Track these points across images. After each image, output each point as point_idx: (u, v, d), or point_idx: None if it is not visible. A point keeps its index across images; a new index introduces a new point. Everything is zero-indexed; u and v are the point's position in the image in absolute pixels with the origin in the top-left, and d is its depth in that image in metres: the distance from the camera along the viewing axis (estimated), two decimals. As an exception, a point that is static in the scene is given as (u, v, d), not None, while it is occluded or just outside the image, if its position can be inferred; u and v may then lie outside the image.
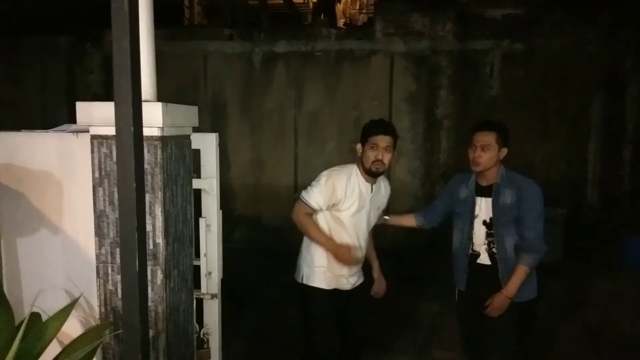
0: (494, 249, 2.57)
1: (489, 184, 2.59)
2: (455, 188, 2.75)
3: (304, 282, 2.65)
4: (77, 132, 1.98)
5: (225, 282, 2.52)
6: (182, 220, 2.11)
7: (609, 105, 6.16)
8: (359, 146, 2.62)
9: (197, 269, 2.35)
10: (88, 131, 1.94)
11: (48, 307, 1.80)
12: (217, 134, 2.40)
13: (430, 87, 6.32)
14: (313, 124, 6.48)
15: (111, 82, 1.23)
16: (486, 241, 2.59)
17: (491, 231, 2.57)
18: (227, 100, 6.58)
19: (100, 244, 1.97)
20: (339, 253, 2.55)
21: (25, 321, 1.61)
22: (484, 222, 2.59)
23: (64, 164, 1.99)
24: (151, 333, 1.97)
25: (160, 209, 1.92)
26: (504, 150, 2.54)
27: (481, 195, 2.59)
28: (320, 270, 2.63)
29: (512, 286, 2.47)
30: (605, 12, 6.06)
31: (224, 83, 6.57)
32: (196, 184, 2.30)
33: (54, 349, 1.75)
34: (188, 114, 2.14)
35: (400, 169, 6.38)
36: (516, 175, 2.58)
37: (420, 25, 6.26)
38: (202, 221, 2.36)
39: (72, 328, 1.96)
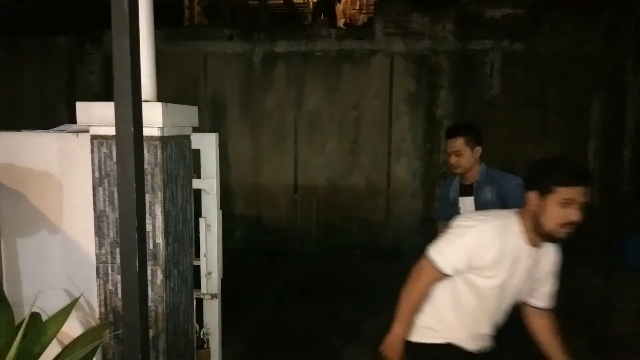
0: None
1: (470, 183, 2.72)
2: (446, 191, 2.90)
3: (415, 340, 2.01)
4: (77, 132, 1.98)
5: (225, 282, 2.52)
6: (182, 220, 2.11)
7: (609, 105, 6.16)
8: (532, 195, 1.80)
9: (197, 269, 2.35)
10: (88, 131, 1.94)
11: (48, 307, 1.80)
12: (217, 134, 2.40)
13: (430, 87, 6.32)
14: (313, 124, 6.48)
15: (111, 82, 1.23)
16: None
17: None
18: (227, 100, 6.57)
19: (100, 244, 1.97)
20: (387, 347, 1.96)
21: (25, 321, 1.61)
22: None
23: (64, 164, 1.99)
24: (151, 333, 1.97)
25: (160, 209, 1.92)
26: (478, 149, 2.66)
27: (465, 195, 2.73)
28: (434, 328, 2.02)
29: None
30: (605, 12, 6.06)
31: (224, 83, 6.56)
32: (196, 184, 2.30)
33: (54, 349, 1.75)
34: (188, 114, 2.14)
35: (400, 169, 6.38)
36: (497, 172, 2.69)
37: (420, 25, 6.26)
38: (202, 221, 2.36)
39: (72, 328, 1.96)
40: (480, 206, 2.63)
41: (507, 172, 2.66)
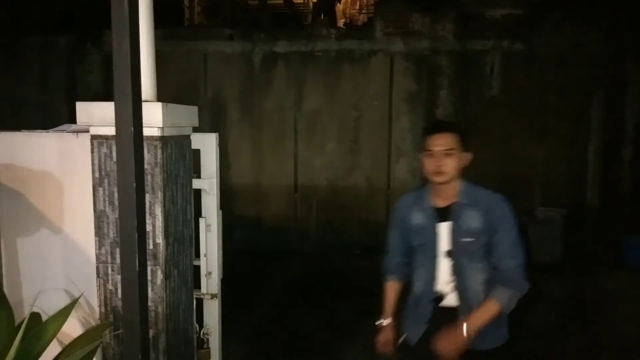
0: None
1: (447, 204, 2.05)
2: (406, 214, 2.16)
3: None
4: (77, 132, 1.98)
5: (225, 282, 2.52)
6: (182, 220, 2.11)
7: (609, 105, 6.16)
8: None
9: (197, 269, 2.35)
10: (88, 131, 1.94)
11: (48, 307, 1.79)
12: (217, 134, 2.40)
13: (430, 87, 6.32)
14: (313, 124, 6.48)
15: (111, 82, 1.23)
16: (452, 277, 2.04)
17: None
18: (227, 100, 6.57)
19: (100, 244, 1.97)
20: None
21: (25, 321, 1.61)
22: (448, 254, 2.05)
23: (64, 164, 1.99)
24: (151, 333, 1.97)
25: (160, 209, 1.92)
26: (468, 156, 2.04)
27: (441, 220, 2.05)
28: None
29: (475, 320, 1.91)
30: (605, 12, 6.05)
31: (224, 83, 6.56)
32: (196, 184, 2.30)
33: (54, 349, 1.75)
34: (188, 114, 2.14)
35: (400, 169, 6.38)
36: (479, 189, 2.05)
37: (420, 25, 6.26)
38: (202, 221, 2.36)
39: (72, 328, 1.96)
40: (460, 235, 2.00)
41: (491, 191, 2.06)
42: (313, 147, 6.49)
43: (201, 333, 2.44)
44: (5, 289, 1.96)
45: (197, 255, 2.35)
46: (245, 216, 6.56)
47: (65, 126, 2.17)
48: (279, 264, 5.88)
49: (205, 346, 2.45)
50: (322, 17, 8.13)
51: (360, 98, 6.39)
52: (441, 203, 2.06)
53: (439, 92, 6.32)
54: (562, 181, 6.24)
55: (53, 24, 6.46)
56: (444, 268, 2.05)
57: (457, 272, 2.02)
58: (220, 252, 2.45)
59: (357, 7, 8.85)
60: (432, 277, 2.07)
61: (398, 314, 2.23)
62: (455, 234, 2.01)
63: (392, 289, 2.28)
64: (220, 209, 2.43)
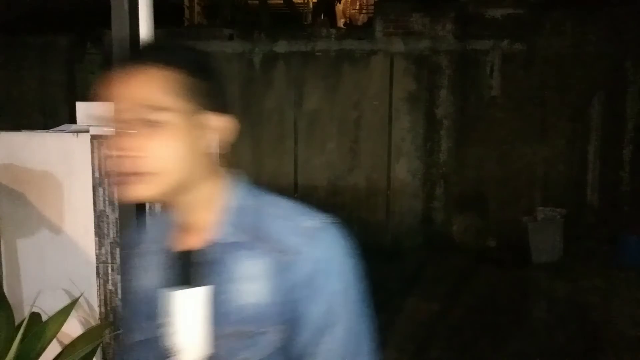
0: None
1: (199, 245, 0.87)
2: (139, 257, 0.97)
3: None
4: (77, 132, 1.98)
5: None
6: (182, 220, 2.11)
7: (609, 105, 6.16)
8: None
9: (197, 269, 2.35)
10: (88, 131, 1.94)
11: (48, 307, 1.79)
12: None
13: (430, 87, 6.32)
14: (313, 124, 6.48)
15: (111, 82, 1.23)
16: None
17: None
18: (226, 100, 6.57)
19: (100, 244, 1.97)
20: None
21: (25, 321, 1.61)
22: None
23: (64, 164, 1.99)
24: (151, 333, 1.97)
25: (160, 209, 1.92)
26: (222, 123, 0.94)
27: (185, 282, 0.87)
28: None
29: None
30: (605, 12, 6.06)
31: (224, 83, 6.56)
32: (196, 184, 2.30)
33: (54, 349, 1.75)
34: (188, 114, 2.14)
35: (400, 169, 6.38)
36: (269, 205, 0.93)
37: (420, 25, 6.26)
38: (202, 221, 2.36)
39: (72, 328, 1.96)
40: (224, 320, 0.82)
41: (305, 210, 0.91)
42: (313, 146, 6.49)
43: (201, 333, 2.43)
44: (5, 289, 1.96)
45: (197, 255, 2.35)
46: (245, 216, 6.55)
47: (65, 126, 2.17)
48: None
49: (205, 346, 2.45)
50: (322, 17, 8.14)
51: (360, 98, 6.39)
52: (187, 241, 0.90)
53: (439, 92, 6.32)
54: (562, 181, 6.25)
55: (53, 24, 6.46)
56: None
57: None
58: (220, 252, 2.45)
59: (357, 7, 8.86)
60: None
61: None
62: (215, 316, 0.84)
63: None
64: (220, 209, 2.42)
